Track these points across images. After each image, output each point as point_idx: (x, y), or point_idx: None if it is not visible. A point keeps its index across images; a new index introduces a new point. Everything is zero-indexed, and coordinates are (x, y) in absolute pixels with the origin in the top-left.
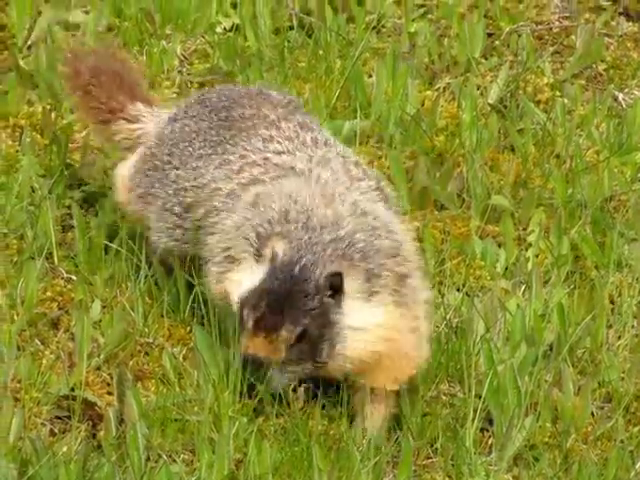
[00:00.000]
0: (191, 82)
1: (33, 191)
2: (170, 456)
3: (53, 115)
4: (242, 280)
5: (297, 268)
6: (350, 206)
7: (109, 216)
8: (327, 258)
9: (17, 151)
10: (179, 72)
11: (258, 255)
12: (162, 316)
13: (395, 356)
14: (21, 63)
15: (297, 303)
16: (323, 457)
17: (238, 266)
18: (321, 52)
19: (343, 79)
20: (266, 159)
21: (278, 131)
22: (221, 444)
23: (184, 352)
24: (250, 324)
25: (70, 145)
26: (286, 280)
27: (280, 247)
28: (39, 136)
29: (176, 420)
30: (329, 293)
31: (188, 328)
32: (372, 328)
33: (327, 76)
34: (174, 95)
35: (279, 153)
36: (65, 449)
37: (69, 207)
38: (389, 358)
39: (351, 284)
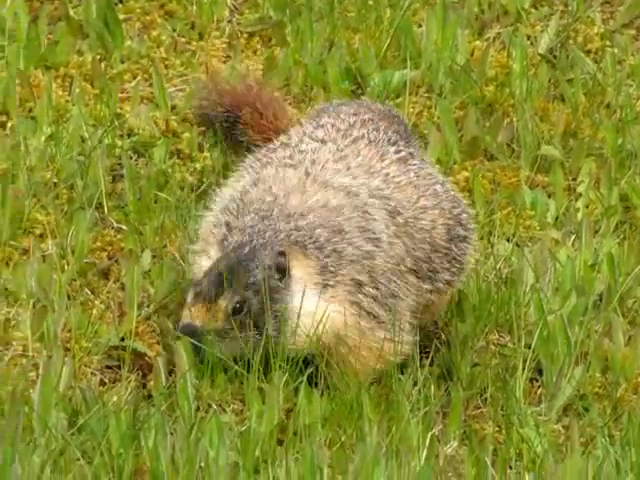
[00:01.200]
0: (241, 32)
1: (83, 141)
2: (220, 406)
3: (103, 65)
4: (201, 267)
5: (246, 249)
6: (323, 200)
7: (159, 166)
8: (277, 242)
9: (67, 101)
10: (229, 22)
11: (219, 244)
12: None
13: (352, 352)
14: (71, 13)
15: (238, 277)
16: (373, 407)
17: (201, 255)
18: (371, 2)
19: (393, 29)
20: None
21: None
22: (271, 394)
23: None
24: (190, 297)
25: (120, 95)
26: (232, 259)
27: (235, 235)
28: (89, 86)
29: (226, 370)
30: (277, 276)
31: None
32: (321, 314)
33: (377, 26)
34: (224, 45)
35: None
36: (115, 399)
37: (119, 157)
38: (345, 352)
39: (302, 270)
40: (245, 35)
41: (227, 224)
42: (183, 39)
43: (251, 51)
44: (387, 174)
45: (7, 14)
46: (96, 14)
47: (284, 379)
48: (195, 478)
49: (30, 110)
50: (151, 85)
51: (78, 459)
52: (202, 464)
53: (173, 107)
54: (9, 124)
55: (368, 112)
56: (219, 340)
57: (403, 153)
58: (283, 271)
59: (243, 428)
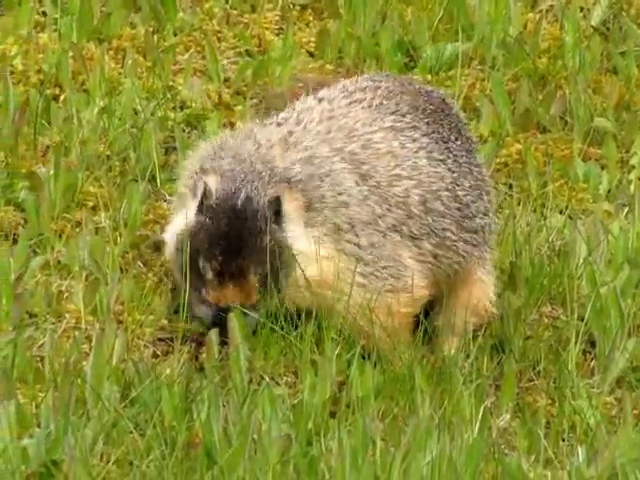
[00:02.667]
0: (293, 4)
1: (136, 113)
2: (273, 378)
3: (156, 37)
4: (178, 220)
5: (239, 202)
6: (307, 157)
7: (211, 137)
8: (265, 185)
9: (120, 73)
10: None
11: (193, 192)
12: None
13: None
14: None
15: (252, 242)
16: (425, 379)
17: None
18: None
19: (446, 1)
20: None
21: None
22: (323, 366)
23: None
24: (211, 275)
25: (173, 67)
26: (231, 218)
27: (212, 181)
28: (142, 58)
29: (278, 342)
30: (273, 218)
31: None
32: (312, 252)
33: None
34: (277, 17)
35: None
36: (168, 371)
37: (172, 129)
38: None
39: (291, 206)
40: (298, 7)
41: (201, 168)
42: (235, 11)
43: (304, 23)
44: (369, 139)
45: None
46: None
47: (337, 351)
48: (247, 450)
49: (83, 83)
50: (204, 57)
51: (130, 432)
52: (254, 436)
53: (226, 79)
54: (62, 97)
55: (396, 85)
56: (254, 311)
57: (400, 124)
58: (277, 211)
59: (296, 400)
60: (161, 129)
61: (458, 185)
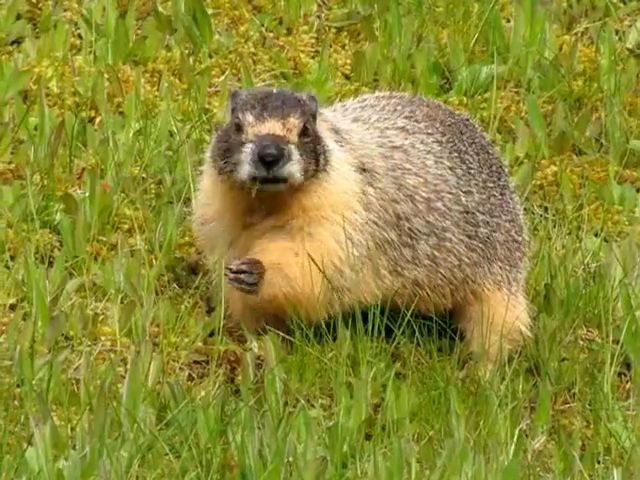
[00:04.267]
0: (329, 27)
1: (171, 136)
2: (308, 401)
3: (191, 60)
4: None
5: (274, 90)
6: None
7: None
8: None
9: (155, 96)
10: (317, 17)
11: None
12: None
13: None
14: (159, 8)
15: (294, 103)
16: (461, 402)
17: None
18: None
19: (481, 23)
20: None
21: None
22: (359, 388)
23: None
24: (254, 112)
25: (208, 89)
26: (269, 94)
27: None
28: (177, 81)
29: (314, 364)
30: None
31: None
32: (343, 164)
33: (465, 21)
34: (312, 40)
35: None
36: (203, 394)
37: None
38: None
39: (321, 124)
40: (333, 30)
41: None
42: (271, 34)
43: (339, 46)
44: (383, 132)
45: (96, 9)
46: (184, 9)
47: (372, 373)
48: (283, 473)
49: (118, 105)
50: (239, 80)
51: (166, 454)
52: (290, 459)
53: None
54: (97, 119)
55: (415, 98)
56: (297, 156)
57: (412, 127)
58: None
59: (331, 423)
60: (196, 151)
61: (464, 192)
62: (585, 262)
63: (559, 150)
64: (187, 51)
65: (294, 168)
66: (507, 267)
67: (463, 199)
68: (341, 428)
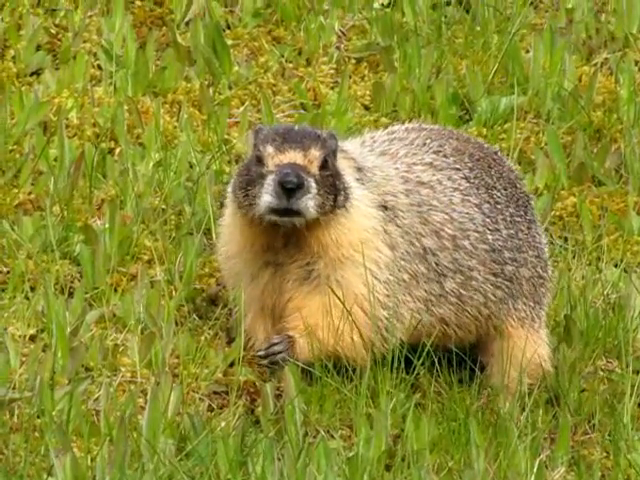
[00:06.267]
0: (348, 58)
1: (191, 167)
2: (328, 432)
3: (211, 90)
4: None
5: (296, 126)
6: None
7: None
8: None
9: (175, 127)
10: (336, 48)
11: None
12: None
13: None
14: (179, 39)
15: (315, 137)
16: (480, 433)
17: None
18: (478, 28)
19: (500, 55)
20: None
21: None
22: (379, 419)
23: None
24: (275, 144)
25: (228, 120)
26: (291, 130)
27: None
28: (197, 112)
29: (333, 395)
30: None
31: None
32: (361, 202)
33: (484, 52)
34: (332, 71)
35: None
36: (223, 424)
37: (227, 183)
38: None
39: (343, 161)
40: (353, 61)
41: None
42: (291, 65)
43: (359, 77)
44: (410, 167)
45: (116, 40)
46: (204, 40)
47: (391, 405)
48: None
49: (138, 136)
50: (259, 111)
51: None
52: None
53: None
54: (117, 150)
55: (445, 131)
56: (315, 189)
57: (440, 163)
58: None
59: (351, 454)
60: (216, 182)
61: (490, 230)
62: (605, 293)
63: (579, 181)
64: (207, 82)
65: (310, 203)
66: (531, 304)
67: (490, 237)
68: (361, 459)
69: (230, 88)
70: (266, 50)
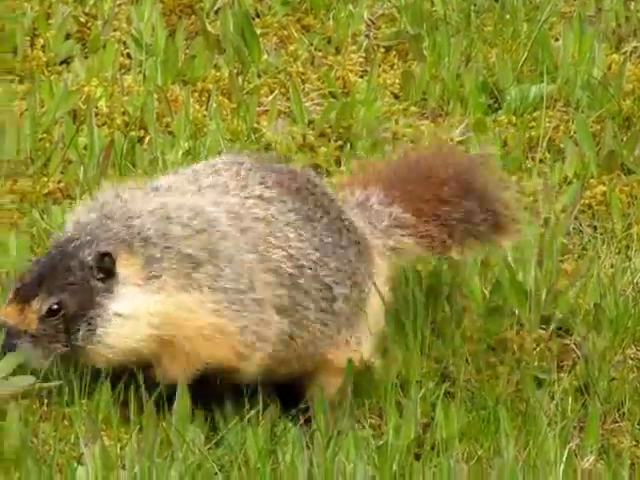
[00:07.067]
0: (378, 46)
1: (220, 155)
2: (357, 420)
3: (240, 79)
4: None
5: (71, 246)
6: (164, 204)
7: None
8: (103, 240)
9: (204, 115)
10: (366, 36)
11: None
12: None
13: (189, 340)
14: (208, 27)
15: (57, 276)
16: (510, 421)
17: None
18: (508, 16)
19: (530, 43)
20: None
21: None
22: (408, 408)
23: None
24: (10, 292)
25: (257, 109)
26: (55, 255)
27: (68, 228)
28: (226, 100)
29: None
30: (100, 276)
31: None
32: (143, 315)
33: (514, 40)
34: (361, 59)
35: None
36: (253, 413)
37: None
38: (180, 344)
39: (127, 270)
40: (382, 49)
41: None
42: (320, 53)
43: (388, 65)
44: (243, 203)
45: (145, 29)
46: (233, 28)
47: (421, 393)
48: None
49: (167, 125)
50: (288, 99)
51: (215, 473)
52: (339, 478)
53: (310, 121)
54: (147, 139)
55: (257, 162)
56: (30, 344)
57: (269, 194)
58: (107, 272)
59: (380, 442)
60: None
61: (321, 266)
62: (634, 281)
63: (608, 169)
64: (236, 71)
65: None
66: (350, 330)
67: (322, 274)
68: (390, 447)
69: (259, 77)
70: (295, 39)
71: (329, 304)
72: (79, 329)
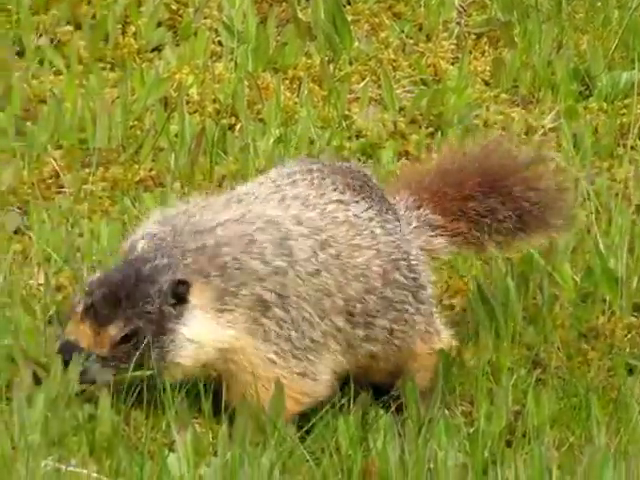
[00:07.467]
0: (469, 33)
1: (311, 143)
2: (449, 407)
3: (331, 66)
4: None
5: (147, 267)
6: (245, 231)
7: (387, 167)
8: (180, 266)
9: (295, 103)
10: (457, 24)
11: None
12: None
13: (255, 382)
14: (299, 15)
15: (135, 303)
16: (601, 408)
17: None
18: (599, 3)
19: (621, 30)
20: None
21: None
22: (499, 395)
23: (462, 303)
24: (79, 308)
25: (348, 96)
26: (131, 276)
27: (140, 242)
28: (317, 87)
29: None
30: (172, 302)
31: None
32: (212, 343)
33: (605, 27)
34: (452, 47)
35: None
36: (344, 401)
37: (347, 158)
38: (242, 380)
39: (200, 297)
40: (473, 36)
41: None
42: (411, 40)
43: (479, 52)
44: (324, 209)
45: (236, 16)
46: (324, 16)
47: (512, 380)
48: (424, 479)
49: (258, 112)
50: (379, 87)
51: (307, 461)
52: (431, 465)
53: (401, 108)
54: (238, 126)
55: (324, 166)
56: (99, 365)
57: (345, 197)
58: (180, 298)
59: (471, 429)
60: (337, 158)
61: (408, 254)
62: None
63: None
64: (327, 58)
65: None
66: (426, 318)
67: (413, 262)
68: (482, 434)
69: (350, 64)
70: (386, 26)
71: (422, 292)
72: (150, 354)
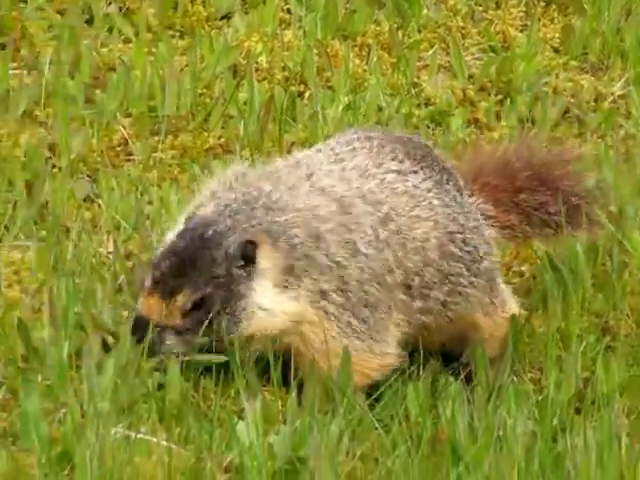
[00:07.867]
0: (538, 0)
1: (380, 110)
2: (518, 375)
3: (400, 34)
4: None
5: (210, 231)
6: (317, 196)
7: (456, 135)
8: (247, 227)
9: (364, 70)
10: None
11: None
12: None
13: (322, 358)
14: None
15: (201, 267)
16: None
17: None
18: None
19: None
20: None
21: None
22: (569, 362)
23: (531, 270)
24: (148, 283)
25: (417, 64)
26: (194, 241)
27: (206, 208)
28: (386, 55)
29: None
30: (240, 263)
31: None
32: (281, 313)
33: None
34: (521, 14)
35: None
36: (413, 368)
37: (416, 126)
38: (314, 357)
39: (267, 262)
40: (542, 3)
41: (212, 193)
42: (480, 8)
43: (548, 19)
44: (383, 179)
45: None
46: None
47: (582, 348)
48: (493, 446)
49: (327, 80)
50: (448, 54)
51: (376, 428)
52: (500, 433)
53: (470, 76)
54: (307, 94)
55: (384, 134)
56: (174, 337)
57: (403, 167)
58: (248, 259)
59: (541, 397)
60: (406, 126)
61: (464, 227)
62: None
63: None
64: (396, 25)
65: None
66: (488, 290)
67: (468, 236)
68: (551, 402)
69: (419, 31)
70: None
71: (477, 266)
72: (221, 320)
